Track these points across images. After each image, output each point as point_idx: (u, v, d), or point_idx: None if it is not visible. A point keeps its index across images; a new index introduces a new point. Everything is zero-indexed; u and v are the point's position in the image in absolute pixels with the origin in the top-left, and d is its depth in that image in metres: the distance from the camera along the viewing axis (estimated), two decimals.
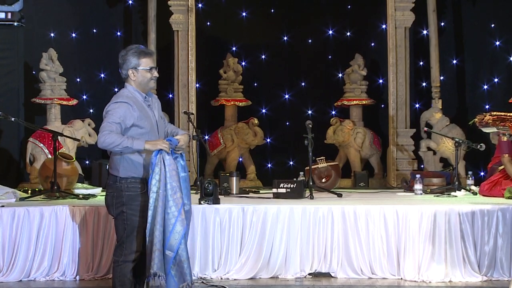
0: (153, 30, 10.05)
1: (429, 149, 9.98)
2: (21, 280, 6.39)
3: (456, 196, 7.66)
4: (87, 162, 10.24)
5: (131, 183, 4.86)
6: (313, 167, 8.15)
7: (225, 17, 10.85)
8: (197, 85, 10.16)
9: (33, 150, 9.28)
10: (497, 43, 10.33)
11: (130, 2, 10.66)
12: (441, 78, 10.20)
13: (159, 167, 4.76)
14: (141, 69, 4.92)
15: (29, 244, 6.44)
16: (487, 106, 10.24)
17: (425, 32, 10.42)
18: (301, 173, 8.59)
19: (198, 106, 9.87)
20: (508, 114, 8.06)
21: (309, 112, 10.80)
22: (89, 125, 9.62)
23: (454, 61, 10.56)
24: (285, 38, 10.90)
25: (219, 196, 6.86)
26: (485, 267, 6.32)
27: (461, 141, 8.30)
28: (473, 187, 8.08)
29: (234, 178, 8.15)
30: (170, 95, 10.31)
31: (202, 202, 6.58)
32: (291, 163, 10.77)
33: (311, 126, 7.87)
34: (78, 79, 10.45)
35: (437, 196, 7.67)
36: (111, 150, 4.82)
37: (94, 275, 6.42)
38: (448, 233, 6.32)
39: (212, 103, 10.35)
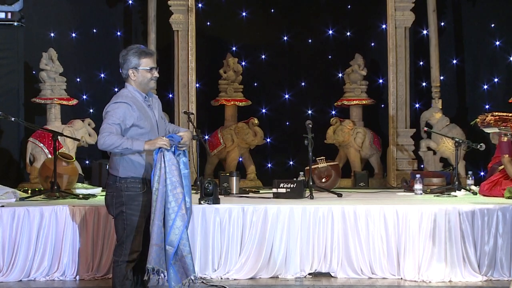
0: (153, 30, 10.05)
1: (429, 149, 9.98)
2: (21, 280, 6.39)
3: (456, 196, 7.66)
4: (87, 162, 10.24)
5: (130, 183, 4.86)
6: (313, 167, 8.15)
7: (225, 17, 10.85)
8: (197, 85, 10.16)
9: (33, 150, 9.28)
10: (497, 43, 10.34)
11: (130, 2, 10.67)
12: (441, 78, 10.20)
13: (159, 164, 4.76)
14: (141, 69, 4.92)
15: (29, 244, 6.44)
16: (487, 106, 10.24)
17: (425, 32, 10.42)
18: (301, 173, 8.59)
19: (198, 106, 9.87)
20: (510, 114, 8.06)
21: (309, 112, 10.81)
22: (89, 125, 9.63)
23: (454, 61, 10.56)
24: (285, 38, 10.90)
25: (219, 196, 6.87)
26: (485, 267, 6.32)
27: (461, 141, 8.30)
28: (473, 187, 8.08)
29: (234, 178, 8.15)
30: (170, 95, 10.31)
31: (202, 202, 6.58)
32: (291, 163, 10.77)
33: (311, 126, 7.87)
34: (78, 79, 10.45)
35: (437, 196, 7.67)
36: (111, 151, 4.83)
37: (94, 275, 6.42)
38: (448, 233, 6.32)
39: (212, 103, 10.35)
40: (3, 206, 6.64)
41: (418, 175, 8.07)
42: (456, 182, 7.96)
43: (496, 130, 7.54)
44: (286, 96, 10.85)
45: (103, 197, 5.07)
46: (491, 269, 6.33)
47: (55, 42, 10.23)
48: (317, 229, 6.45)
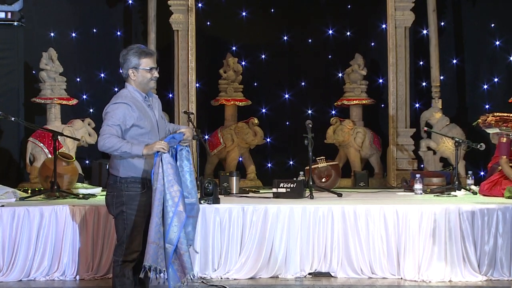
0: (153, 30, 10.04)
1: (429, 148, 9.97)
2: (21, 280, 6.40)
3: (456, 196, 7.66)
4: (87, 162, 10.24)
5: (131, 183, 4.86)
6: (313, 167, 8.15)
7: (225, 17, 10.84)
8: (197, 85, 10.16)
9: (33, 150, 9.28)
10: (497, 43, 10.33)
11: (130, 2, 10.66)
12: (441, 78, 10.19)
13: (158, 165, 4.76)
14: (141, 69, 4.92)
15: (29, 244, 6.44)
16: (487, 106, 10.24)
17: (425, 32, 10.42)
18: (301, 172, 8.58)
19: (198, 106, 9.87)
20: (511, 114, 8.09)
21: (309, 112, 10.80)
22: (89, 124, 9.63)
23: (454, 61, 10.56)
24: (285, 38, 10.90)
25: (219, 196, 6.87)
26: (485, 266, 6.33)
27: (461, 141, 8.30)
28: (473, 187, 8.08)
29: (234, 178, 8.15)
30: (170, 95, 10.31)
31: (202, 201, 6.57)
32: (291, 163, 10.77)
33: (311, 126, 7.87)
34: (78, 79, 10.45)
35: (437, 196, 7.67)
36: (111, 153, 4.83)
37: (94, 274, 6.43)
38: (448, 233, 6.32)
39: (212, 103, 10.35)
40: (3, 206, 6.64)
41: (418, 175, 8.07)
42: (456, 182, 7.95)
43: (497, 130, 7.57)
44: (286, 96, 10.85)
45: (103, 197, 5.07)
46: (491, 269, 6.33)
47: (55, 42, 10.23)
48: (317, 229, 6.45)
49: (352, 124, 10.05)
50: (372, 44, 10.77)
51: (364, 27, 10.81)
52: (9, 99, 9.85)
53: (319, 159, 8.63)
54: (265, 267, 6.40)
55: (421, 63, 10.55)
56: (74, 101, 9.83)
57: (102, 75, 10.55)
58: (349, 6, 10.84)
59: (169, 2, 9.80)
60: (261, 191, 8.59)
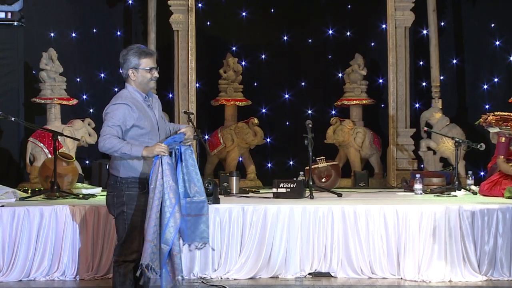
0: (153, 30, 10.04)
1: (429, 149, 9.97)
2: (21, 280, 6.40)
3: (456, 196, 7.66)
4: (87, 162, 10.24)
5: (131, 183, 4.86)
6: (313, 167, 8.15)
7: (225, 17, 10.84)
8: (197, 85, 10.16)
9: (33, 150, 9.28)
10: (497, 43, 10.33)
11: (130, 2, 10.66)
12: (441, 78, 10.19)
13: (157, 166, 4.76)
14: (141, 69, 4.92)
15: (29, 244, 6.45)
16: (487, 106, 10.24)
17: (425, 32, 10.42)
18: (301, 172, 8.58)
19: (198, 106, 9.86)
20: (511, 114, 8.10)
21: (309, 112, 10.80)
22: (89, 124, 9.63)
23: (454, 61, 10.56)
24: (285, 38, 10.90)
25: (219, 196, 6.87)
26: (485, 266, 6.33)
27: (461, 141, 8.31)
28: (473, 187, 8.08)
29: (234, 178, 8.16)
30: (170, 95, 10.31)
31: None
32: (291, 163, 10.77)
33: (311, 126, 7.87)
34: (78, 79, 10.45)
35: (437, 196, 7.67)
36: (110, 154, 4.83)
37: (94, 275, 6.43)
38: (448, 233, 6.32)
39: (212, 103, 10.35)
40: (3, 206, 6.64)
41: (418, 175, 8.07)
42: (456, 182, 7.96)
43: (497, 129, 7.57)
44: (286, 96, 10.85)
45: (103, 197, 5.08)
46: (491, 268, 6.34)
47: (55, 42, 10.23)
48: (317, 229, 6.45)
49: (352, 124, 10.05)
50: (372, 44, 10.78)
51: (364, 27, 10.82)
52: (9, 99, 9.85)
53: (319, 159, 8.63)
54: (265, 267, 6.40)
55: (421, 63, 10.55)
56: (74, 101, 9.83)
57: (102, 75, 10.55)
58: (349, 6, 10.84)
59: (169, 2, 9.80)
60: (261, 191, 8.59)
